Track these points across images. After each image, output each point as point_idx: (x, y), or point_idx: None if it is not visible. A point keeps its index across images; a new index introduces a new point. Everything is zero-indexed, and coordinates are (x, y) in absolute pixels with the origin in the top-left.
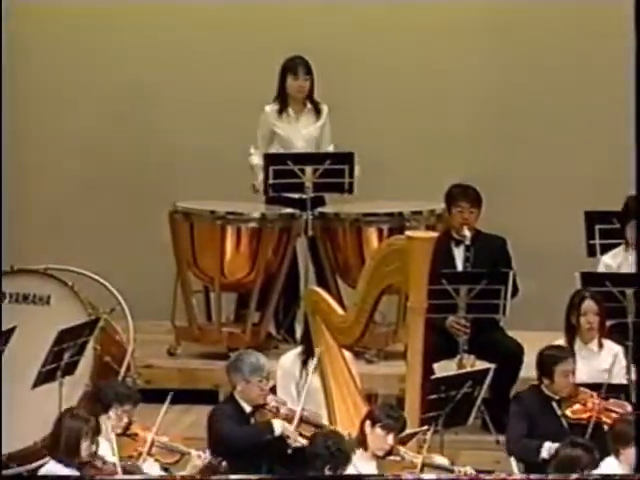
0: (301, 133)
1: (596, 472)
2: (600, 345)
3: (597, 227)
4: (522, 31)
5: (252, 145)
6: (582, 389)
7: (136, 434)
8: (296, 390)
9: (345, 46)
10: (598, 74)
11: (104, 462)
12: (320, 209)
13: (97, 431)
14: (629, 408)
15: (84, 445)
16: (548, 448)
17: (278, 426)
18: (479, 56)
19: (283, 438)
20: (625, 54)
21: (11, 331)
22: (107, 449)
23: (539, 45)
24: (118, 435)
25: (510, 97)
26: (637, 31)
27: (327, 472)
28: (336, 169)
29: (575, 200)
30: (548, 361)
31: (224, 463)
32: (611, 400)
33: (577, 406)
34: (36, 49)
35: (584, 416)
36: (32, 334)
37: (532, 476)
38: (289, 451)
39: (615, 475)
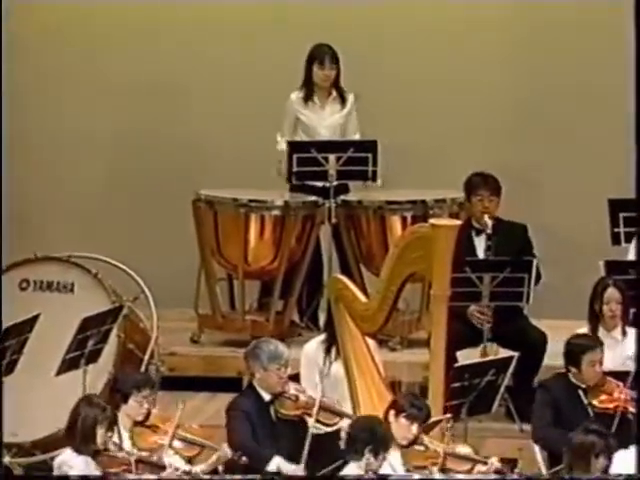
0: (326, 121)
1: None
2: (624, 333)
3: (621, 215)
4: (554, 26)
5: (278, 132)
6: (609, 378)
7: (157, 426)
8: (319, 377)
9: (372, 36)
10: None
11: (120, 449)
12: (343, 197)
13: (114, 419)
14: None
15: (100, 432)
16: None
17: (274, 464)
18: (505, 48)
19: (302, 424)
20: None
21: (35, 319)
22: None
23: (568, 41)
24: (139, 424)
25: (534, 88)
26: (637, 28)
27: (367, 454)
28: (360, 157)
29: (600, 188)
30: (576, 350)
31: (244, 458)
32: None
33: (603, 396)
34: (36, 49)
35: (610, 406)
36: (56, 322)
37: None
38: (309, 437)
39: (616, 475)
